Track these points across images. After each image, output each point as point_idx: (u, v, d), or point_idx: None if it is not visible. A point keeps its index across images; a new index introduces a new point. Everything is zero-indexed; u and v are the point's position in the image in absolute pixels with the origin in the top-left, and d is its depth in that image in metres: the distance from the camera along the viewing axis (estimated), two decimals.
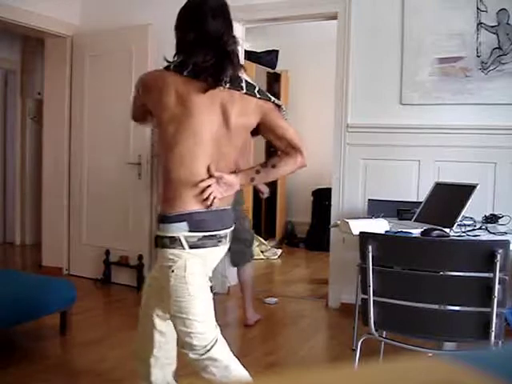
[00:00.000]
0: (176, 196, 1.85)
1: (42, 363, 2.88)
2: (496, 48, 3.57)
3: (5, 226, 6.62)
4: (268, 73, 6.90)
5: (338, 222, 2.76)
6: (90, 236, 4.81)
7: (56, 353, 3.14)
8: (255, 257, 5.94)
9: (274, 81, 6.99)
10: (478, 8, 3.60)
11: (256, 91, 1.94)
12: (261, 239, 6.31)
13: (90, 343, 3.21)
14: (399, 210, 3.05)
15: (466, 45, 3.64)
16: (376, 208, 3.29)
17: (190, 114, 1.83)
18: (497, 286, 1.85)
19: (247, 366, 2.97)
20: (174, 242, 1.83)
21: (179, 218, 1.83)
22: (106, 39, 4.63)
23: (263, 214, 6.91)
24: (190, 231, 1.82)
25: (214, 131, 1.87)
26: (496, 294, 1.85)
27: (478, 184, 2.62)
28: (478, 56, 3.62)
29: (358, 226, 2.37)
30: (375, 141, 3.93)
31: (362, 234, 2.05)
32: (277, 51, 6.91)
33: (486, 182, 3.49)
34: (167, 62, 1.93)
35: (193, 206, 1.84)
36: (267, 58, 6.81)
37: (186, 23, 1.95)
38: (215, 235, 1.88)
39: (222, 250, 1.96)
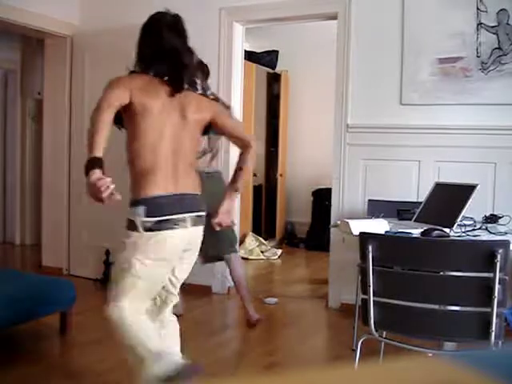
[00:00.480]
0: (137, 183, 2.07)
1: (42, 363, 2.88)
2: (496, 48, 3.57)
3: (5, 225, 6.62)
4: (268, 73, 6.90)
5: (338, 222, 2.76)
6: (90, 236, 4.81)
7: (56, 353, 3.14)
8: (255, 257, 5.97)
9: (274, 81, 6.99)
10: (478, 8, 3.60)
11: (209, 93, 2.27)
12: (261, 239, 6.31)
13: (90, 343, 3.21)
14: (399, 210, 3.05)
15: (466, 45, 3.64)
16: (376, 208, 3.29)
17: (154, 109, 2.08)
18: (497, 286, 1.85)
19: (247, 366, 2.98)
20: (133, 224, 2.04)
21: (139, 203, 2.03)
22: (106, 39, 4.63)
23: (263, 213, 6.91)
24: (146, 216, 2.02)
25: (174, 126, 2.12)
26: (496, 294, 1.85)
27: (478, 184, 2.62)
28: (478, 56, 3.62)
29: (358, 226, 2.37)
30: (375, 141, 3.93)
31: (362, 234, 2.05)
32: (277, 51, 6.91)
33: (485, 181, 3.49)
34: (130, 70, 2.21)
35: (152, 191, 2.04)
36: (267, 59, 6.81)
37: (146, 38, 2.24)
38: (170, 219, 2.05)
39: (184, 232, 2.10)
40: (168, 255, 2.11)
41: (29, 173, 6.36)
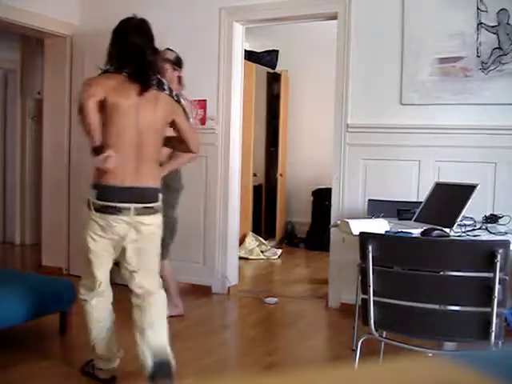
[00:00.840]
0: (99, 171, 2.40)
1: (42, 363, 2.88)
2: (496, 48, 3.57)
3: (5, 225, 6.62)
4: (268, 73, 6.90)
5: (338, 222, 2.76)
6: None
7: (56, 353, 3.14)
8: (255, 257, 5.97)
9: (274, 81, 6.99)
10: (478, 8, 3.59)
11: (173, 95, 2.60)
12: (261, 239, 6.31)
13: (90, 343, 3.21)
14: (399, 210, 3.05)
15: (466, 45, 3.64)
16: (376, 208, 3.28)
17: (124, 108, 2.37)
18: (497, 286, 1.85)
19: (247, 366, 2.98)
20: (89, 203, 2.43)
21: (95, 187, 2.41)
22: (106, 39, 4.60)
23: (263, 213, 6.91)
24: (96, 199, 2.40)
25: (140, 124, 2.40)
26: (496, 294, 1.85)
27: (478, 184, 2.62)
28: (478, 56, 3.61)
29: (358, 226, 2.37)
30: (375, 141, 3.93)
31: (362, 233, 2.05)
32: (277, 51, 6.91)
33: (486, 182, 3.48)
34: (101, 69, 2.51)
35: (108, 180, 2.38)
36: (267, 58, 6.81)
37: (114, 40, 2.56)
38: (114, 206, 2.38)
39: (128, 219, 2.41)
40: (114, 235, 2.43)
41: (29, 173, 6.36)
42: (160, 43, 4.43)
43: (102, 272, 2.53)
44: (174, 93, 2.61)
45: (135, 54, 2.46)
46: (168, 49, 3.62)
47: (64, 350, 3.25)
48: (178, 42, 4.53)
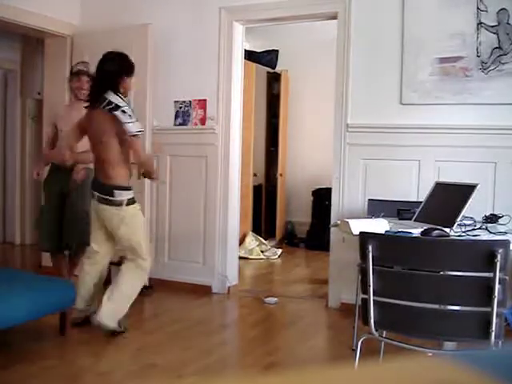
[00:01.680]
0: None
1: (42, 363, 2.88)
2: (496, 48, 3.57)
3: (5, 225, 6.62)
4: (268, 72, 6.90)
5: (338, 222, 2.76)
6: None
7: (56, 353, 3.14)
8: (255, 257, 5.97)
9: (274, 81, 6.99)
10: (478, 8, 3.60)
11: (120, 111, 3.09)
12: (261, 239, 6.31)
13: (90, 343, 3.21)
14: (399, 210, 3.05)
15: (466, 45, 3.64)
16: (376, 208, 3.28)
17: (87, 129, 3.27)
18: (497, 286, 1.85)
19: (247, 366, 2.98)
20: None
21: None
22: (106, 39, 4.62)
23: (263, 213, 6.91)
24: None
25: (96, 139, 3.23)
26: (496, 294, 1.85)
27: (478, 184, 2.62)
28: (478, 56, 3.61)
29: (358, 226, 2.37)
30: (375, 141, 3.93)
31: (362, 233, 2.05)
32: (277, 51, 6.91)
33: (486, 182, 3.48)
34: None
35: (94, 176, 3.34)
36: (267, 58, 6.82)
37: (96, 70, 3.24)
38: (92, 194, 3.30)
39: (97, 204, 3.26)
40: (93, 215, 3.38)
41: (29, 173, 6.35)
42: (160, 43, 4.45)
43: (94, 234, 3.41)
44: (121, 109, 3.07)
45: (100, 79, 3.17)
46: (83, 62, 4.08)
47: (64, 350, 3.25)
48: (177, 41, 4.54)
